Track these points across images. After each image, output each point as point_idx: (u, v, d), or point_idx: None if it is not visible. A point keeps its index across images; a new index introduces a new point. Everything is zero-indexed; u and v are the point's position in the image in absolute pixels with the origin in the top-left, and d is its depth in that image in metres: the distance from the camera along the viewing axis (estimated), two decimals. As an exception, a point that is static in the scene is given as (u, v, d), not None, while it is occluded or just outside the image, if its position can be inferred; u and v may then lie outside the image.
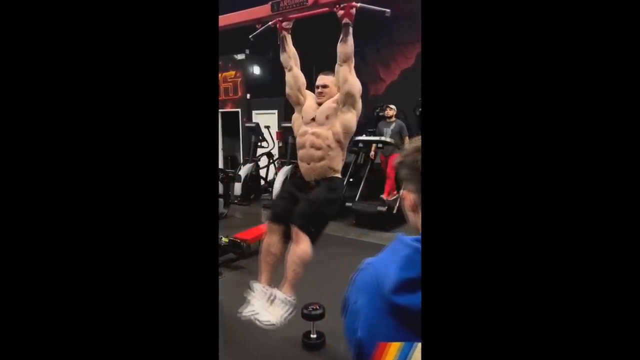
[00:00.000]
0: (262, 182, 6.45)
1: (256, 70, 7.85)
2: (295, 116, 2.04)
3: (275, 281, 2.00)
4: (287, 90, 2.01)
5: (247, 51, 7.59)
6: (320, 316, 2.08)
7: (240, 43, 7.21)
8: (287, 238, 1.97)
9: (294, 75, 1.98)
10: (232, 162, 7.95)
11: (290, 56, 1.97)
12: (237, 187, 5.94)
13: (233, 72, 7.77)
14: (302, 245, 1.84)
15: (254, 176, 6.25)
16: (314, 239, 1.88)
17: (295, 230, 1.85)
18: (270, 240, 1.98)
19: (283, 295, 1.88)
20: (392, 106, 4.95)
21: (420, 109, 5.26)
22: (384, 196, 4.81)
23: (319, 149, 1.89)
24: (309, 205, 1.86)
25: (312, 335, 2.14)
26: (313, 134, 1.91)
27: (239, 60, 7.65)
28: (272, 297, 1.89)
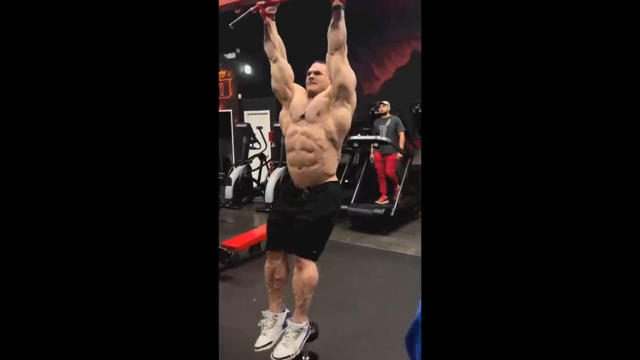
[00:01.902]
0: (255, 184, 6.25)
1: (247, 69, 7.66)
2: (282, 113, 1.83)
3: (285, 302, 1.91)
4: (273, 83, 1.80)
5: (238, 50, 7.39)
6: (313, 336, 1.86)
7: (230, 41, 7.01)
8: (290, 259, 1.83)
9: (280, 66, 1.76)
10: (225, 165, 7.75)
11: (275, 45, 1.76)
12: (228, 191, 5.74)
13: (224, 72, 7.57)
14: (307, 272, 1.69)
15: (245, 179, 6.05)
16: (316, 258, 1.73)
17: (297, 258, 1.70)
18: (273, 265, 1.83)
19: (296, 325, 1.75)
20: (385, 102, 4.78)
21: (416, 107, 5.09)
22: (380, 200, 4.63)
23: (310, 151, 1.67)
24: (306, 228, 1.67)
25: (304, 358, 1.92)
26: (303, 133, 1.68)
27: (230, 59, 7.46)
28: (285, 327, 1.81)
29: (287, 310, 1.89)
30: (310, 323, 1.87)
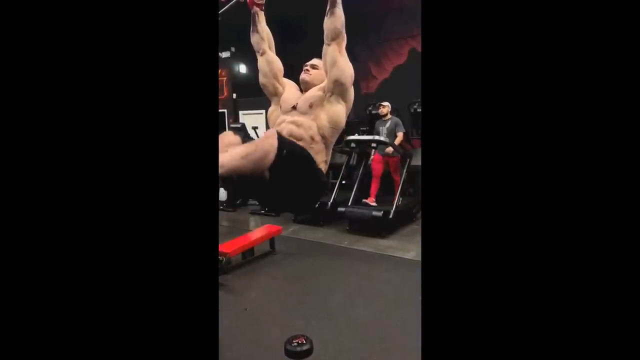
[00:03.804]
0: (250, 186, 6.12)
1: (242, 68, 7.52)
2: (272, 109, 1.69)
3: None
4: (261, 78, 1.66)
5: (233, 49, 7.27)
6: (308, 352, 1.72)
7: (225, 40, 6.88)
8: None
9: (268, 59, 1.63)
10: (220, 166, 7.63)
11: (263, 37, 1.62)
12: (222, 192, 5.61)
13: (218, 71, 7.43)
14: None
15: (240, 180, 5.92)
16: None
17: None
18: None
19: None
20: (386, 103, 4.64)
21: (414, 106, 4.98)
22: (369, 200, 4.51)
23: (299, 139, 1.50)
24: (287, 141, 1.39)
25: (298, 374, 1.78)
26: (292, 122, 1.52)
27: (224, 58, 7.32)
28: None
29: None
30: (304, 338, 1.74)
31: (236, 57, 7.38)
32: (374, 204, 4.50)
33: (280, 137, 1.32)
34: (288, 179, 1.39)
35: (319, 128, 1.51)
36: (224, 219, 5.34)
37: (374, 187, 4.62)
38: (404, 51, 6.51)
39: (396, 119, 4.58)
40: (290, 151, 1.35)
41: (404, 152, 4.57)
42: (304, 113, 1.53)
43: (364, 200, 4.55)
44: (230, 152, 1.26)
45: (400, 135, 4.51)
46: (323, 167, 1.58)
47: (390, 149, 4.40)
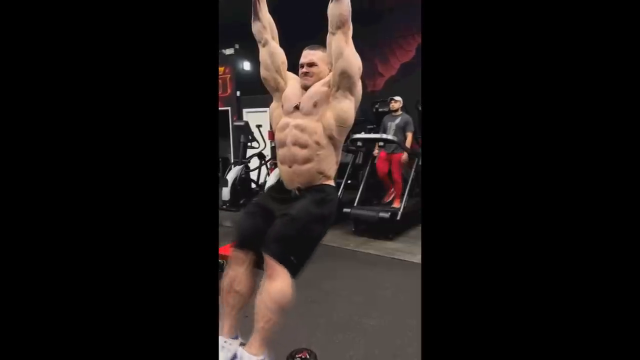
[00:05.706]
0: (253, 185, 6.01)
1: (246, 65, 7.41)
2: (273, 106, 1.56)
3: (241, 328, 1.50)
4: (262, 71, 1.53)
5: (237, 46, 7.17)
6: (312, 369, 1.60)
7: (229, 37, 6.78)
8: (257, 269, 1.44)
9: (271, 51, 1.49)
10: (224, 164, 7.55)
11: (265, 26, 1.49)
12: (225, 192, 5.51)
13: (222, 69, 7.35)
14: (278, 283, 1.29)
15: (243, 179, 5.82)
16: (295, 271, 1.34)
17: (268, 262, 1.31)
18: (234, 273, 1.43)
19: (250, 357, 1.33)
20: (398, 98, 4.48)
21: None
22: (385, 199, 4.36)
23: (304, 146, 1.39)
24: (289, 224, 1.34)
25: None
26: (296, 127, 1.41)
27: (228, 55, 7.22)
28: (235, 357, 1.38)
29: (240, 339, 1.48)
30: (307, 352, 1.61)
31: (240, 54, 7.29)
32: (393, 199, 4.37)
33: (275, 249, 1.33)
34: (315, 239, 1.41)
35: (324, 129, 1.39)
36: (227, 219, 5.22)
37: (388, 188, 4.47)
38: (411, 48, 6.37)
39: (407, 117, 4.44)
40: (299, 250, 1.35)
41: (412, 150, 4.43)
42: (308, 113, 1.40)
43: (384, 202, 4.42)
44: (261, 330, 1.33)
45: (410, 136, 4.38)
46: (332, 171, 1.46)
47: (403, 156, 4.29)
